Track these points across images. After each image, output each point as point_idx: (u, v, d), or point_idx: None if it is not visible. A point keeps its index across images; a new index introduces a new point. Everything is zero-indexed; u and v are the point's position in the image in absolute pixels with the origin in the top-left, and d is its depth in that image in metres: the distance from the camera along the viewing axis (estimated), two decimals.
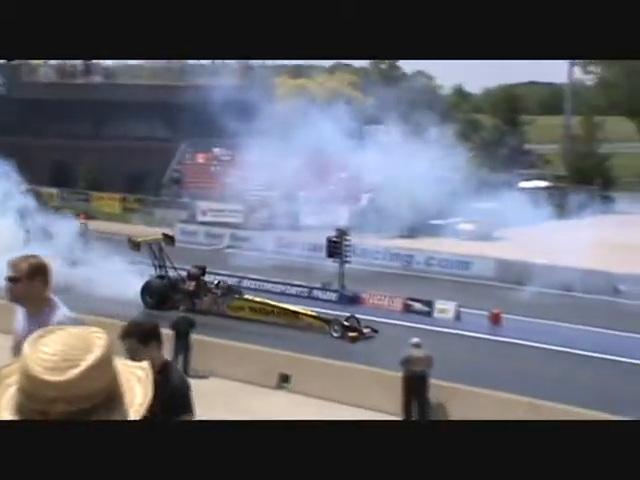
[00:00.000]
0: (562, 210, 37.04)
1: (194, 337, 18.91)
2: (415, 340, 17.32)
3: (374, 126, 39.05)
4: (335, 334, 21.73)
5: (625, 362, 20.16)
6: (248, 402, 17.03)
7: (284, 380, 17.97)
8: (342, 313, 22.77)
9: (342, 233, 25.33)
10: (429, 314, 23.95)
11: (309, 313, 22.76)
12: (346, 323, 21.91)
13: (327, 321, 22.21)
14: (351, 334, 21.52)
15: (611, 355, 20.47)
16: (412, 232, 34.52)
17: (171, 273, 24.69)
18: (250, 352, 18.84)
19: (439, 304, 24.08)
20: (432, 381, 16.37)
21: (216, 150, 43.45)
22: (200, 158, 43.84)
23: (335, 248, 25.22)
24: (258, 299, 23.68)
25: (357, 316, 22.32)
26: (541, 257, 29.15)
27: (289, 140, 32.94)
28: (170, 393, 4.43)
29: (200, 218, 39.37)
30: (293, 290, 25.88)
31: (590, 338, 21.74)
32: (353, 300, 25.12)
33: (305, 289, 25.93)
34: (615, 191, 44.75)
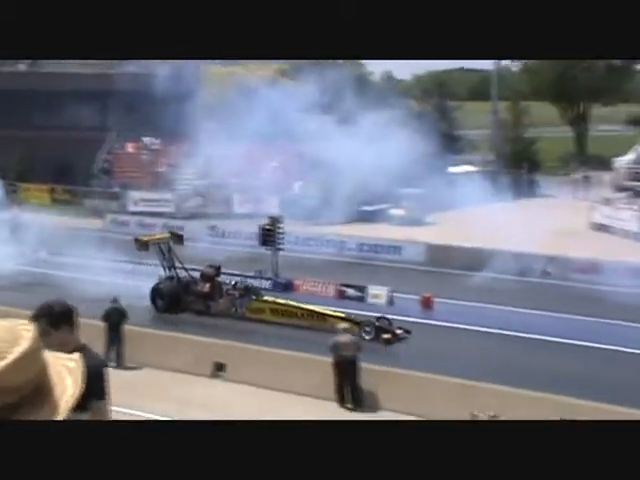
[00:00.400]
0: (491, 194, 37.63)
1: (126, 328, 18.83)
2: (342, 325, 17.63)
3: (306, 114, 39.14)
4: (367, 336, 20.28)
5: (557, 342, 20.66)
6: (183, 392, 17.06)
7: (219, 369, 18.02)
8: (370, 313, 21.50)
9: (275, 221, 25.38)
10: (362, 299, 24.17)
11: (337, 314, 21.41)
12: (377, 324, 20.69)
13: (357, 323, 20.75)
14: (385, 336, 20.34)
15: (541, 335, 20.96)
16: (345, 218, 34.76)
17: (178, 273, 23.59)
18: (184, 341, 18.84)
19: (372, 289, 24.32)
20: (366, 365, 16.65)
21: (146, 139, 43.04)
22: (130, 147, 43.36)
23: (268, 236, 25.28)
24: (280, 300, 22.47)
25: (388, 317, 21.11)
26: (470, 241, 29.70)
27: (220, 128, 32.85)
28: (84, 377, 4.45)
29: (131, 208, 39.00)
30: (226, 278, 25.81)
31: (521, 319, 22.23)
32: (287, 287, 25.23)
33: (238, 277, 25.89)
34: (540, 175, 45.68)
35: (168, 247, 23.73)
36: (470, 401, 14.79)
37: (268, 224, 25.07)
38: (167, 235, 24.76)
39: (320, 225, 33.82)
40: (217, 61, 40.38)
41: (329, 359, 16.64)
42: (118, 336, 18.75)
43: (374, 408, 16.32)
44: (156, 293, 23.02)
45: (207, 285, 22.95)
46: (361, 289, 24.40)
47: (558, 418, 13.33)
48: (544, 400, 14.96)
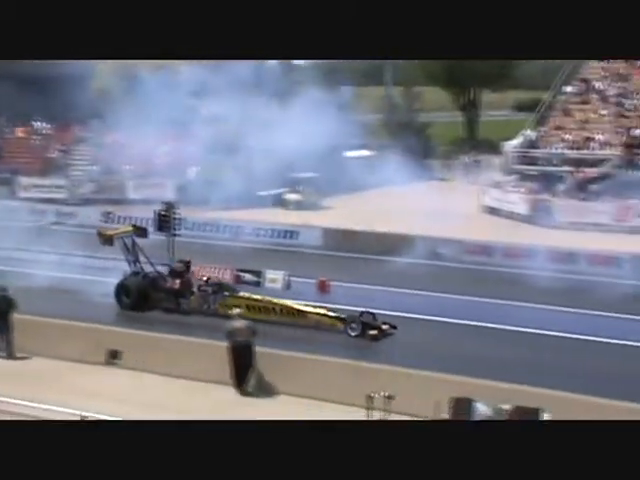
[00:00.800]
0: (386, 178, 38.16)
1: (16, 317, 18.39)
2: (237, 311, 17.63)
3: (201, 99, 38.88)
4: (352, 333, 19.87)
5: (449, 322, 21.14)
6: (77, 381, 16.81)
7: (113, 356, 17.82)
8: (354, 308, 20.71)
9: (170, 206, 25.09)
10: (259, 284, 24.22)
11: (318, 311, 20.72)
12: (362, 319, 20.03)
13: (341, 319, 20.25)
14: (371, 332, 19.75)
15: (435, 316, 21.43)
16: (242, 203, 34.76)
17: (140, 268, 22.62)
18: (76, 329, 18.52)
19: (269, 274, 24.39)
20: (262, 350, 16.74)
21: (36, 124, 42.03)
22: (20, 132, 42.26)
23: (164, 221, 25.00)
24: (257, 296, 21.54)
25: (372, 311, 20.39)
26: (366, 225, 30.12)
27: (113, 114, 32.36)
28: None
29: (22, 194, 38.08)
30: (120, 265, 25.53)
31: (416, 301, 22.69)
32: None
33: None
34: (433, 159, 46.57)
35: (132, 241, 22.81)
36: (366, 382, 15.03)
37: (163, 210, 24.79)
38: (130, 228, 23.75)
39: (217, 210, 33.73)
40: None
41: (223, 344, 16.67)
42: (6, 325, 18.30)
43: (271, 392, 16.45)
44: (121, 289, 22.12)
45: (177, 281, 22.13)
46: (257, 274, 24.44)
47: (451, 398, 13.74)
48: (438, 380, 15.35)
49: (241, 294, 21.85)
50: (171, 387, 16.60)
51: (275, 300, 21.30)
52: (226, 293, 21.83)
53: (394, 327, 20.11)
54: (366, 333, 19.81)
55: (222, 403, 15.87)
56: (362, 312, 20.34)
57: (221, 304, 21.58)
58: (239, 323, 16.92)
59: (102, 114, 32.96)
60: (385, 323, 20.13)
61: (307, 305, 21.07)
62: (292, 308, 20.89)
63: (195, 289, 22.06)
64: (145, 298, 22.08)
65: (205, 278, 22.36)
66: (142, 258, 22.78)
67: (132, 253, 22.79)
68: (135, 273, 22.68)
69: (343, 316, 20.38)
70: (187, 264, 22.70)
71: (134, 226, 24.12)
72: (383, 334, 19.85)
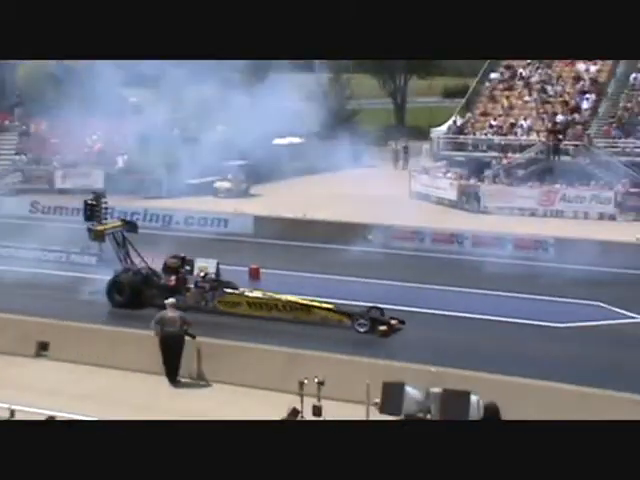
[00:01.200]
0: (316, 165, 38.39)
1: None
2: (171, 300, 17.60)
3: (129, 88, 38.54)
4: (361, 329, 19.19)
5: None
6: (6, 373, 16.63)
7: (43, 348, 17.65)
8: (363, 304, 20.10)
9: (98, 196, 24.86)
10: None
11: (324, 306, 19.95)
12: (370, 315, 19.42)
13: (348, 314, 19.57)
14: (381, 328, 19.11)
15: (364, 302, 21.66)
16: (171, 192, 34.62)
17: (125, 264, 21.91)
18: (3, 321, 18.26)
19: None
20: (198, 339, 16.76)
21: None
22: None
23: (93, 211, 24.78)
24: (258, 292, 20.85)
25: (379, 306, 19.83)
26: (296, 211, 30.27)
27: (41, 103, 31.90)
28: None
29: None
30: (50, 256, 25.23)
31: (346, 288, 22.90)
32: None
33: (62, 254, 25.37)
34: (362, 145, 46.87)
35: (122, 236, 22.22)
36: (299, 369, 15.17)
37: (92, 199, 24.55)
38: (120, 223, 22.95)
39: (147, 199, 33.55)
40: None
41: (152, 334, 16.62)
42: None
43: (205, 381, 16.51)
44: (113, 286, 21.44)
45: (172, 278, 21.37)
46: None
47: (383, 382, 13.96)
48: (369, 365, 15.60)
49: (242, 290, 21.09)
50: (103, 378, 16.52)
51: (278, 296, 20.59)
52: (225, 289, 21.10)
53: (402, 322, 19.54)
54: (376, 329, 19.20)
55: (154, 394, 15.87)
56: (370, 307, 19.78)
57: (221, 301, 20.95)
58: (171, 313, 16.89)
59: (29, 102, 32.37)
60: (393, 318, 19.52)
61: (313, 300, 20.30)
62: (296, 303, 20.15)
63: (192, 285, 21.31)
64: (138, 295, 21.37)
65: (202, 274, 21.50)
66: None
67: (123, 248, 22.21)
68: (126, 270, 22.04)
69: (350, 311, 19.75)
70: (182, 259, 21.86)
71: (123, 220, 23.42)
72: (392, 330, 19.26)
